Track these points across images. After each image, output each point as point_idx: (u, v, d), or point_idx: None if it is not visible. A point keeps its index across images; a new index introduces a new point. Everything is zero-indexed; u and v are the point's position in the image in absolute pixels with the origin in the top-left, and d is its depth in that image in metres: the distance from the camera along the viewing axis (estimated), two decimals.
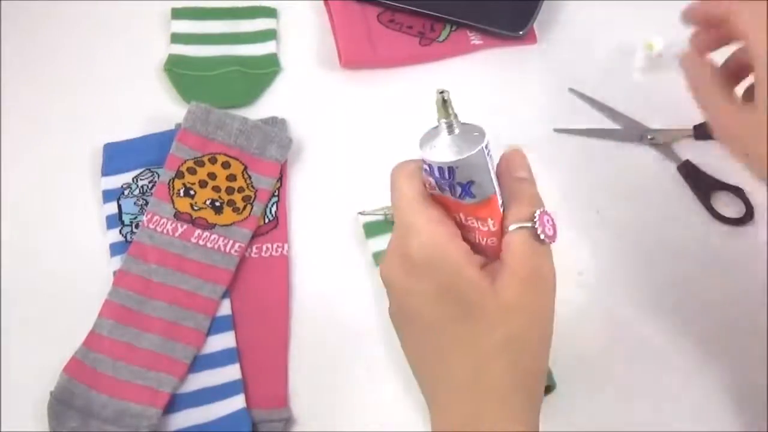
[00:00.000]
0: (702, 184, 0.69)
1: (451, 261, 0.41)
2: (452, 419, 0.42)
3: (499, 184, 0.43)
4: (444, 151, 0.41)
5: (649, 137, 0.71)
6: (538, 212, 0.42)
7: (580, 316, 0.63)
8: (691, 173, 0.69)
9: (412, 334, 0.44)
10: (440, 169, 0.41)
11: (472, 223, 0.43)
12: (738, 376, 0.61)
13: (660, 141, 0.71)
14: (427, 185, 0.43)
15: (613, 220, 0.68)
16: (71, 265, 0.64)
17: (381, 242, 0.65)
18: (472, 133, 0.41)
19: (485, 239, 0.43)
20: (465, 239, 0.43)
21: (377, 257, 0.64)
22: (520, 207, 0.42)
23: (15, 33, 0.77)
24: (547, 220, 0.42)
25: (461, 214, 0.43)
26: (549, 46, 0.78)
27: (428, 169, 0.42)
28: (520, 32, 0.77)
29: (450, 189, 0.41)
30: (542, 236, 0.42)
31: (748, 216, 0.68)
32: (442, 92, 0.41)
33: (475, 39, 0.79)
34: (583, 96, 0.75)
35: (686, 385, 0.61)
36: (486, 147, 0.41)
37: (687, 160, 0.70)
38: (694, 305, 0.64)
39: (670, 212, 0.69)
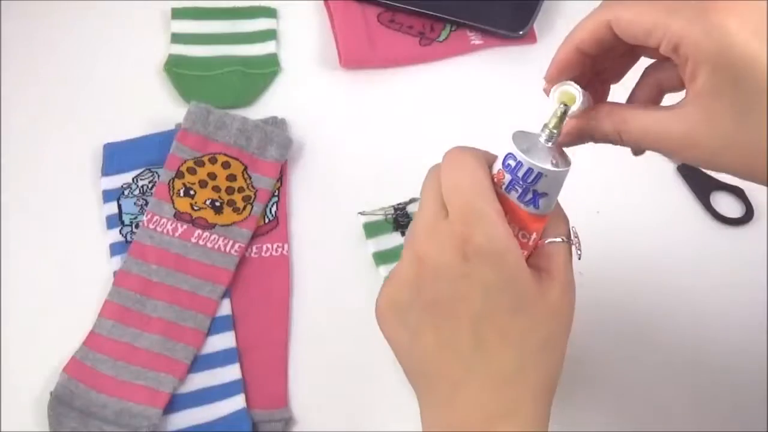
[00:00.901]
0: (702, 184, 0.69)
1: (514, 255, 0.41)
2: (484, 411, 0.41)
3: None
4: (541, 157, 0.41)
5: None
6: (574, 230, 0.44)
7: (580, 316, 0.63)
8: (690, 173, 0.70)
9: (447, 319, 0.43)
10: (529, 170, 0.41)
11: (514, 230, 0.44)
12: (738, 376, 0.61)
13: None
14: (495, 179, 0.43)
15: (613, 221, 0.68)
16: (71, 265, 0.64)
17: (381, 242, 0.65)
18: (563, 152, 0.43)
19: None
20: None
21: (377, 257, 0.64)
22: (558, 223, 0.44)
23: (15, 32, 0.77)
24: (578, 241, 0.45)
25: (508, 218, 0.43)
26: (549, 46, 0.78)
27: (511, 165, 0.42)
28: (520, 32, 0.77)
29: (522, 192, 0.42)
30: (577, 253, 0.44)
31: (748, 216, 0.68)
32: (566, 105, 0.42)
33: (475, 39, 0.79)
34: None
35: (686, 385, 0.61)
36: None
37: None
38: (693, 305, 0.64)
39: (670, 212, 0.69)
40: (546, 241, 0.44)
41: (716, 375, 0.61)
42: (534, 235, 0.43)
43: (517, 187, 0.42)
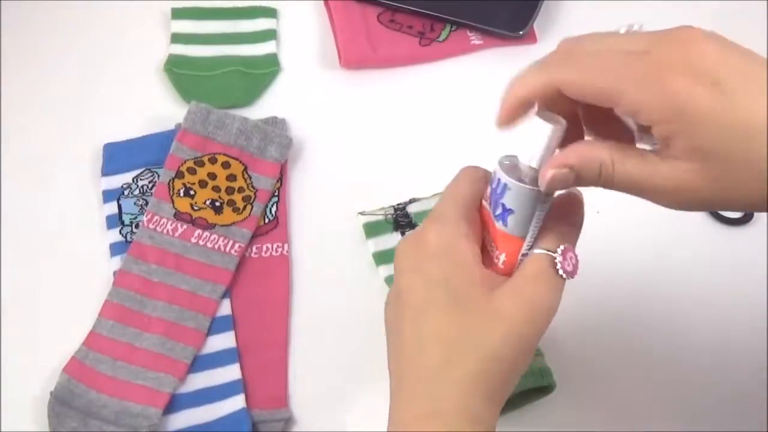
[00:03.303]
0: None
1: (461, 256, 0.43)
2: (415, 408, 0.42)
3: (544, 225, 0.44)
4: (513, 173, 0.42)
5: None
6: (563, 246, 0.43)
7: (580, 316, 0.63)
8: None
9: (401, 311, 0.44)
10: (498, 180, 0.43)
11: (490, 247, 0.45)
12: (738, 376, 0.61)
13: None
14: (486, 192, 0.45)
15: (613, 220, 0.68)
16: (71, 265, 0.64)
17: (381, 242, 0.65)
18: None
19: (488, 268, 0.45)
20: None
21: (377, 257, 0.64)
22: (550, 237, 0.44)
23: (15, 32, 0.77)
24: (570, 258, 0.43)
25: (488, 234, 0.45)
26: (549, 46, 0.78)
27: (492, 176, 0.44)
28: (520, 32, 0.77)
29: (494, 204, 0.43)
30: (559, 269, 0.42)
31: (747, 216, 0.68)
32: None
33: (475, 39, 0.79)
34: None
35: (685, 385, 0.61)
36: (542, 197, 0.42)
37: None
38: (694, 305, 0.64)
39: (669, 212, 0.69)
40: (533, 252, 0.43)
41: (715, 374, 0.61)
42: (502, 256, 0.44)
43: (492, 198, 0.43)
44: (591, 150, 0.41)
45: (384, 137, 0.72)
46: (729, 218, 0.68)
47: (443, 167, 0.68)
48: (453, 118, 0.74)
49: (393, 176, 0.69)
